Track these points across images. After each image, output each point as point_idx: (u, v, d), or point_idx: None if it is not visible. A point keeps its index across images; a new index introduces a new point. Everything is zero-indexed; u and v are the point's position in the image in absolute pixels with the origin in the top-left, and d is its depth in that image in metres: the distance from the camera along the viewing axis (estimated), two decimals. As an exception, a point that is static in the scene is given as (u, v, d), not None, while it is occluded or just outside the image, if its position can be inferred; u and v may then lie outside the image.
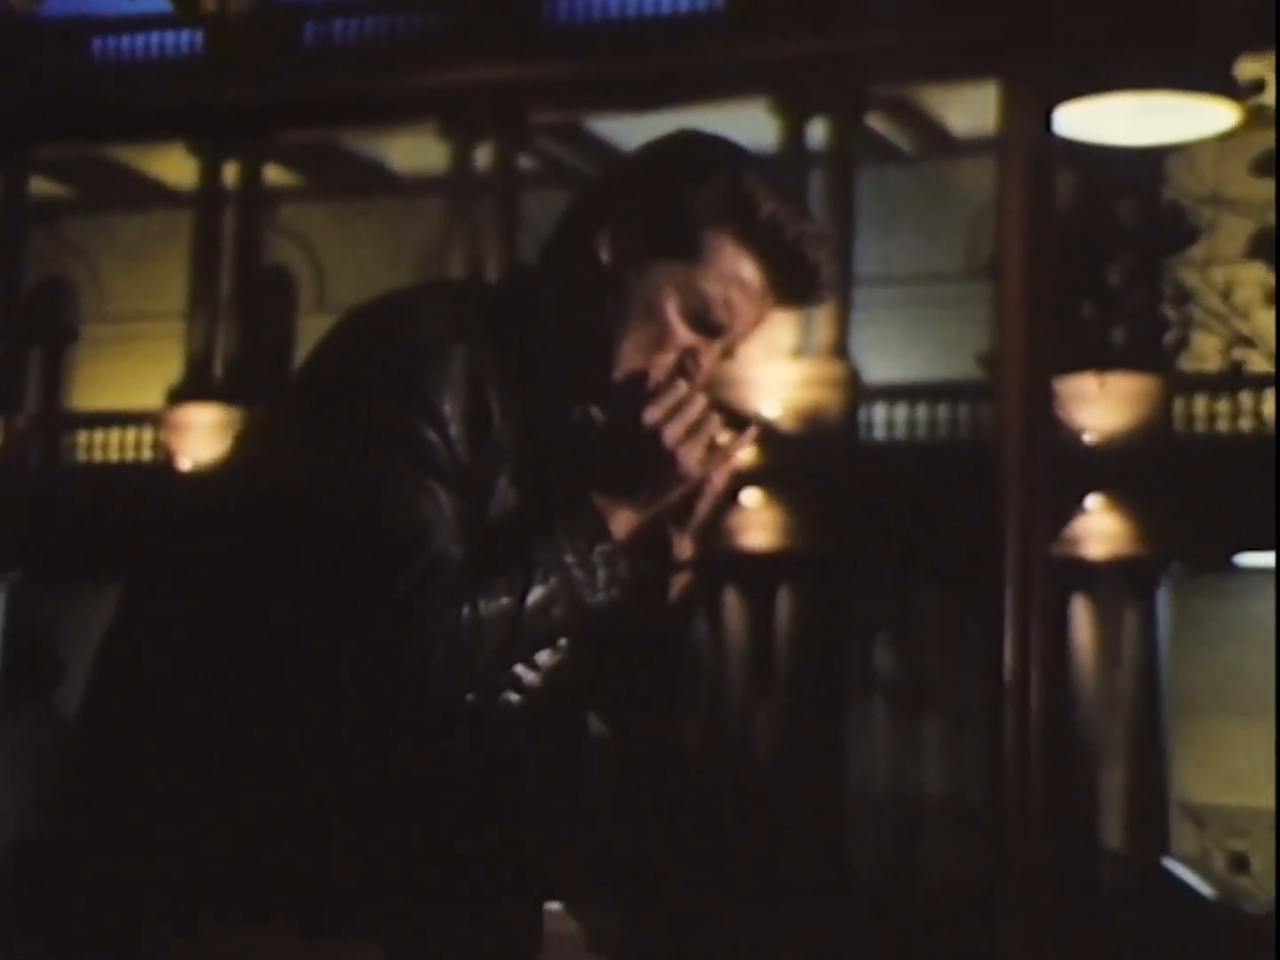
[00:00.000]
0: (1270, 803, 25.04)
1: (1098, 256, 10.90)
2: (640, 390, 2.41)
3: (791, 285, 2.45)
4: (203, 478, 27.66)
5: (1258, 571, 24.78)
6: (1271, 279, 9.86)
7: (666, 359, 2.41)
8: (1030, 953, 6.69)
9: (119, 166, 29.90)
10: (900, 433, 26.08)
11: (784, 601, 26.03)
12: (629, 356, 2.42)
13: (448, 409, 2.34)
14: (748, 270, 2.43)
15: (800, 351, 26.35)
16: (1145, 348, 21.26)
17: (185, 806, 2.35)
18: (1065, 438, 24.39)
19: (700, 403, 2.43)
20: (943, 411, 25.68)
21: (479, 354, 2.37)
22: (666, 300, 2.40)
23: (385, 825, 2.40)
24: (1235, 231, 10.16)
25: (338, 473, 2.29)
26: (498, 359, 2.39)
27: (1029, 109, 6.57)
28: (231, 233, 29.33)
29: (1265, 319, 11.57)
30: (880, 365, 25.96)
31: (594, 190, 2.51)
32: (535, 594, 2.33)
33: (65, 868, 2.40)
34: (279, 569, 2.29)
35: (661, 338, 2.42)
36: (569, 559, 2.36)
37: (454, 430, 2.34)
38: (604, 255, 2.42)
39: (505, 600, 2.31)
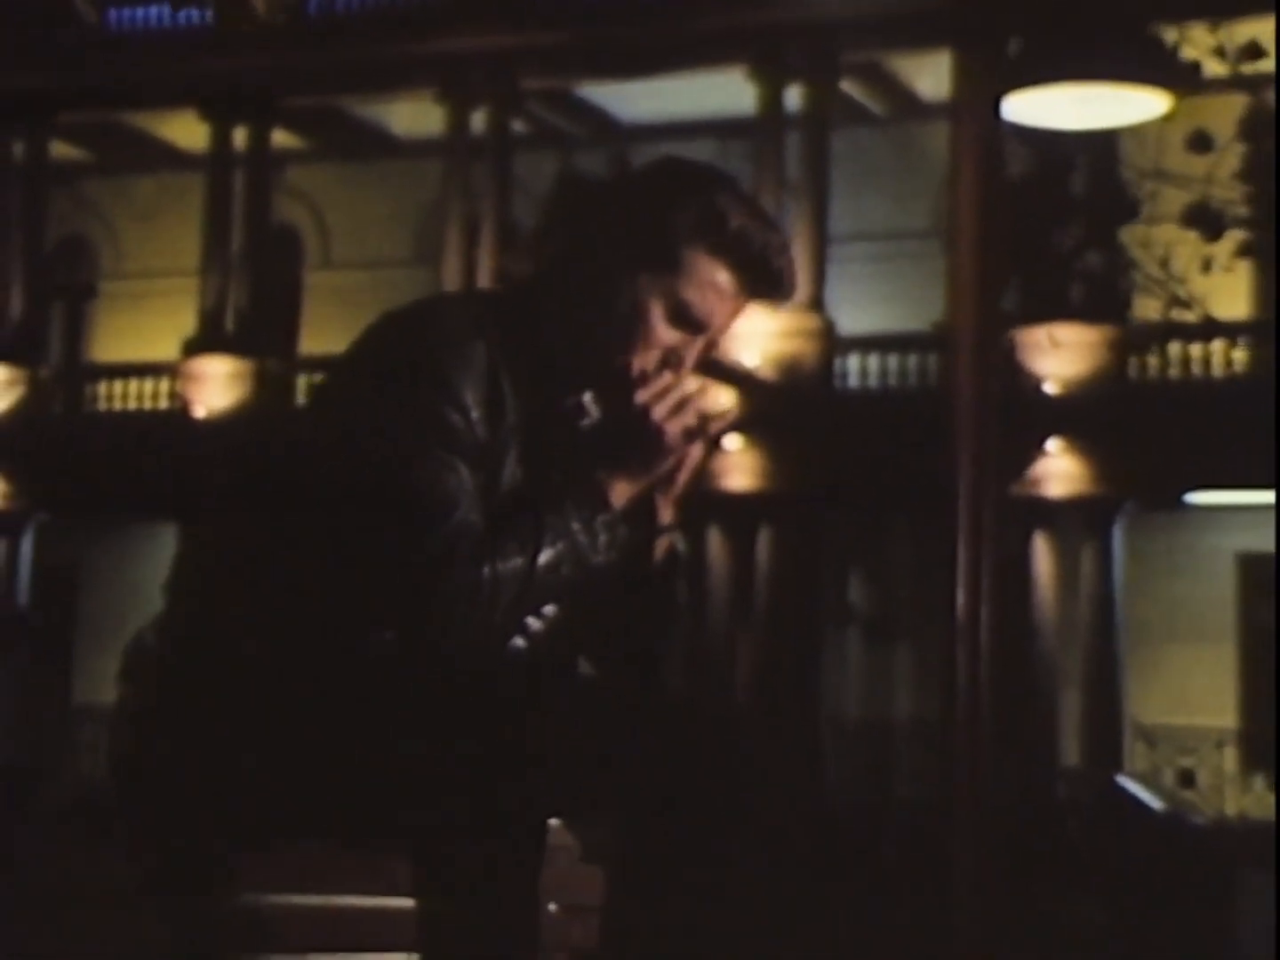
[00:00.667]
0: (1215, 721, 25.54)
1: (1047, 224, 11.22)
2: (629, 380, 2.69)
3: (760, 288, 2.73)
4: (233, 429, 27.91)
5: (1206, 508, 25.01)
6: (1206, 248, 10.22)
7: (652, 355, 2.69)
8: (981, 867, 6.60)
9: (134, 131, 29.91)
10: (873, 381, 26.10)
11: (764, 539, 26.04)
12: (620, 354, 2.70)
13: (469, 397, 2.61)
14: (721, 277, 2.70)
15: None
16: (1097, 304, 21.43)
17: (252, 731, 2.64)
18: (1027, 386, 24.63)
19: (683, 388, 2.68)
20: (912, 361, 25.64)
21: (496, 352, 2.65)
22: (651, 306, 2.69)
23: (413, 753, 2.64)
24: (1174, 201, 10.52)
25: (377, 450, 2.57)
26: (511, 356, 2.67)
27: (981, 76, 6.61)
28: (241, 193, 29.29)
29: (1201, 283, 11.97)
30: (854, 318, 25.97)
31: (587, 207, 2.77)
32: (545, 556, 2.60)
33: (155, 785, 2.69)
34: (329, 526, 2.59)
35: (647, 337, 2.70)
36: (575, 526, 2.63)
37: (474, 414, 2.61)
38: (598, 269, 2.69)
39: (519, 561, 2.58)
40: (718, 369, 25.99)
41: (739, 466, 25.81)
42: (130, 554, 29.80)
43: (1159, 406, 23.19)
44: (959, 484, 6.83)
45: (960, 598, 6.70)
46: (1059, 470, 24.68)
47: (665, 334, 2.71)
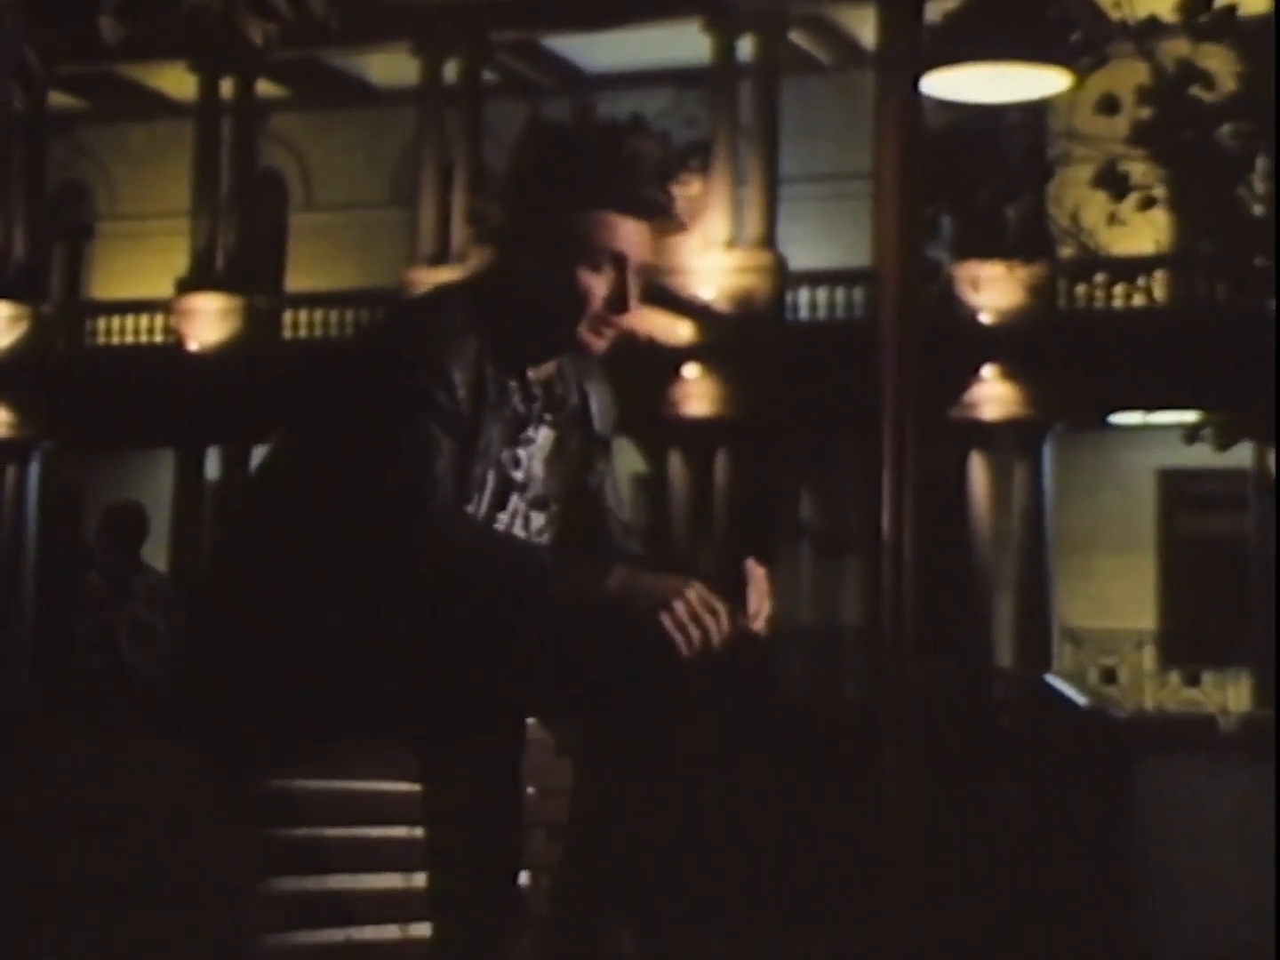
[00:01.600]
0: (1135, 624, 25.91)
1: (971, 176, 11.47)
2: (582, 346, 3.05)
3: (662, 223, 3.09)
4: (217, 362, 27.95)
5: (1128, 428, 25.27)
6: (1113, 206, 10.51)
7: (593, 311, 3.01)
8: (906, 754, 6.60)
9: (128, 82, 29.72)
10: (822, 314, 26.11)
11: (721, 461, 26.13)
12: (570, 325, 3.03)
13: (457, 377, 2.93)
14: (630, 225, 3.04)
15: (733, 242, 26.41)
16: (1027, 243, 21.51)
17: (288, 646, 2.94)
18: (963, 317, 24.84)
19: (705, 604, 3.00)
20: (858, 295, 25.59)
21: (482, 341, 2.98)
22: (582, 275, 3.00)
23: (418, 664, 2.90)
24: (1083, 159, 10.79)
25: (380, 419, 2.91)
26: (492, 343, 3.00)
27: (903, 29, 6.61)
28: (228, 140, 29.22)
29: (1107, 236, 12.23)
30: (803, 254, 26.00)
31: (521, 206, 3.05)
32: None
33: (210, 687, 2.97)
34: (345, 474, 2.92)
35: (589, 300, 3.01)
36: (515, 401, 3.03)
37: (461, 394, 2.93)
38: (538, 257, 3.00)
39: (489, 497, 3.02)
40: (677, 302, 26.26)
41: (697, 394, 26.07)
42: (130, 478, 29.87)
43: (1084, 336, 23.19)
44: (883, 409, 6.75)
45: (885, 514, 6.73)
46: (993, 394, 24.89)
47: (600, 286, 3.02)
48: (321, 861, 2.99)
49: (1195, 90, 9.48)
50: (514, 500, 3.10)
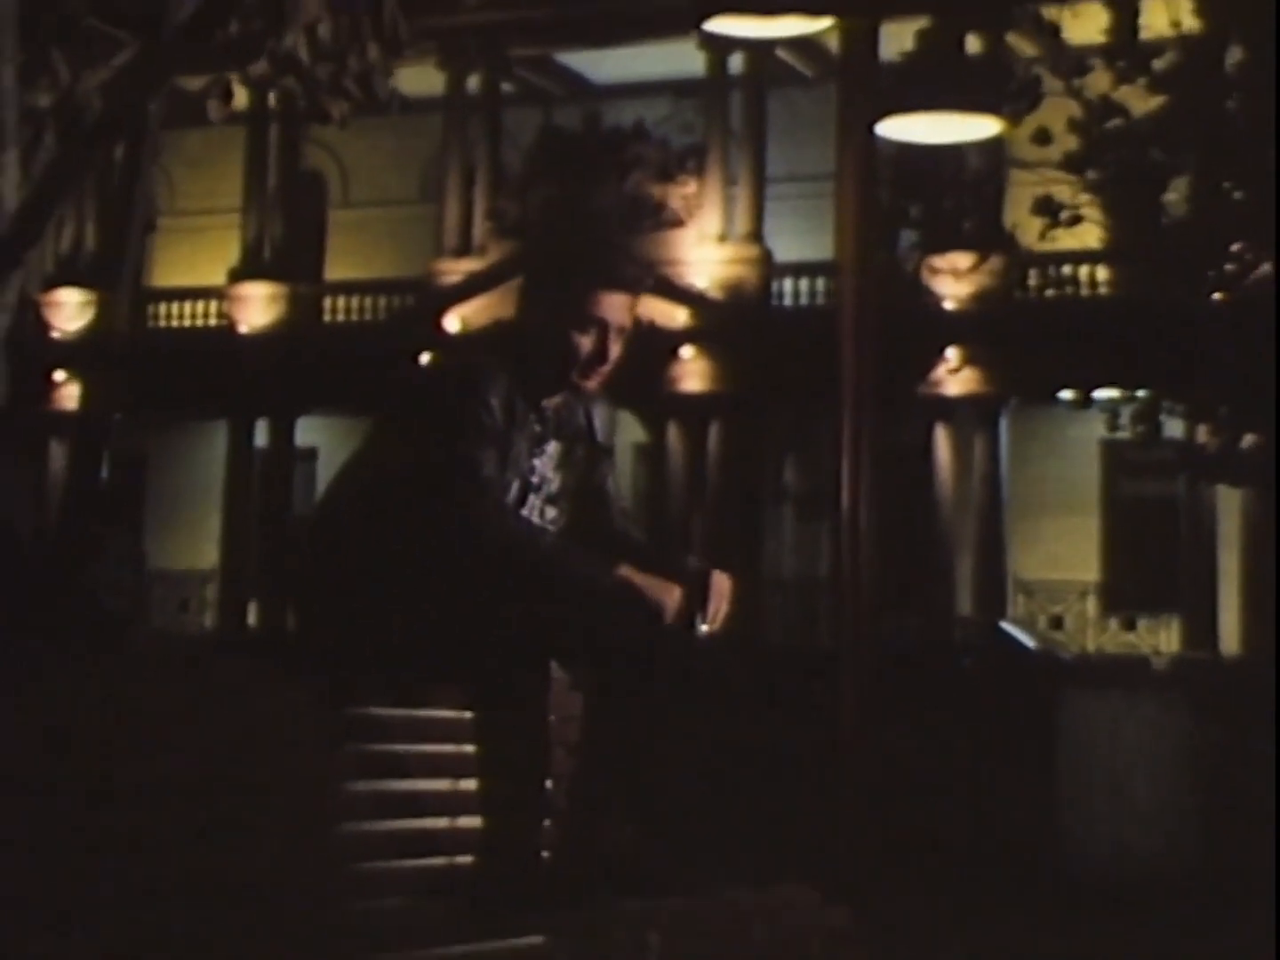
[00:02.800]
0: (1080, 576, 26.09)
1: (936, 187, 11.89)
2: (572, 384, 3.62)
3: (633, 290, 3.60)
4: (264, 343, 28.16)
5: (1074, 404, 25.49)
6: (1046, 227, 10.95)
7: (580, 363, 3.57)
8: (863, 694, 6.59)
9: (188, 93, 29.99)
10: (804, 300, 26.24)
11: (714, 432, 26.34)
12: (564, 370, 3.60)
13: (495, 403, 3.53)
14: (611, 296, 3.58)
15: (724, 237, 26.58)
16: (987, 237, 21.72)
17: (376, 603, 3.45)
18: (931, 304, 25.11)
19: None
20: (822, 281, 25.75)
21: (510, 382, 3.57)
22: (577, 338, 3.57)
23: (469, 621, 3.42)
24: (1021, 181, 11.23)
25: (446, 432, 3.48)
26: (516, 383, 3.58)
27: (859, 81, 6.62)
28: (275, 144, 29.46)
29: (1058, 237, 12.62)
30: (788, 247, 26.13)
31: (534, 289, 3.67)
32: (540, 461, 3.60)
33: (314, 628, 3.54)
34: (420, 475, 3.47)
35: (577, 354, 3.57)
36: (533, 420, 3.58)
37: (498, 415, 3.52)
38: (548, 329, 3.58)
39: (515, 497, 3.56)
40: (674, 291, 26.54)
41: (692, 372, 26.30)
42: (187, 446, 30.32)
43: (1037, 322, 23.29)
44: (842, 387, 6.72)
45: (844, 482, 6.78)
46: (957, 372, 25.01)
47: (587, 344, 3.60)
48: (396, 769, 3.52)
49: (1115, 122, 9.90)
50: (532, 498, 3.65)
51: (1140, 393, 12.98)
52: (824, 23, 5.96)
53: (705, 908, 3.49)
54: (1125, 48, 9.47)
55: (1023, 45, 12.40)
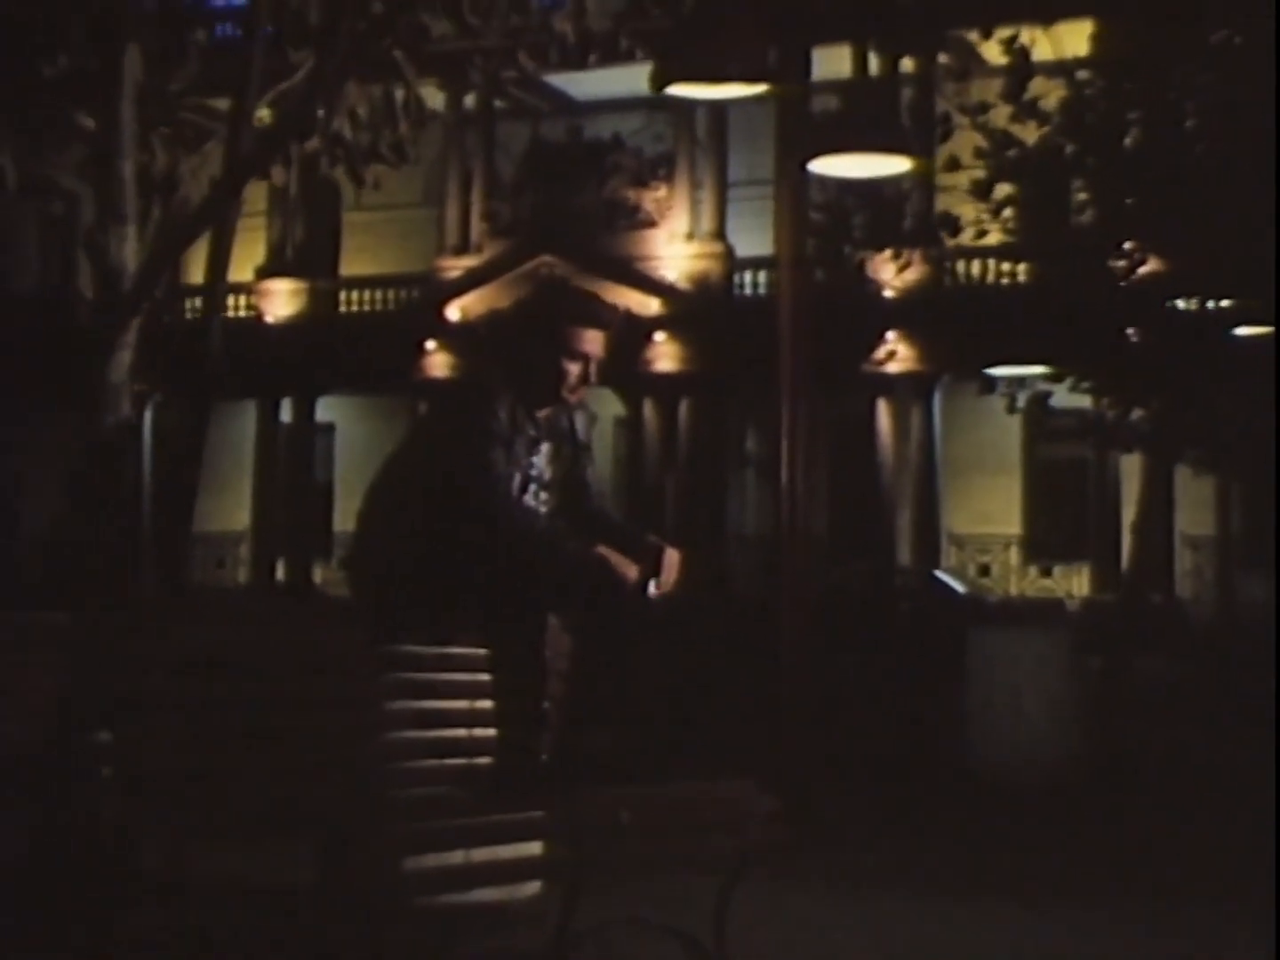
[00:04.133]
0: (1005, 530, 26.19)
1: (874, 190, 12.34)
2: (559, 397, 4.19)
3: (604, 326, 4.23)
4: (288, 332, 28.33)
5: (1000, 378, 25.68)
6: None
7: (568, 385, 4.17)
8: (800, 636, 6.88)
9: (217, 111, 30.06)
10: (762, 290, 26.13)
11: (684, 407, 26.58)
12: (555, 390, 4.19)
13: (502, 415, 4.11)
14: (590, 333, 4.21)
15: (692, 235, 26.77)
16: (920, 234, 21.99)
17: (417, 565, 4.03)
18: (873, 292, 25.34)
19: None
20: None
21: (512, 399, 4.16)
22: (565, 364, 4.18)
23: (486, 581, 3.98)
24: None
25: (463, 443, 4.06)
26: (517, 400, 4.16)
27: (793, 127, 7.47)
28: (296, 155, 29.91)
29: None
30: (747, 243, 26.12)
31: (526, 328, 4.24)
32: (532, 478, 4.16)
33: (373, 585, 4.15)
34: (448, 474, 4.05)
35: (566, 378, 4.18)
36: (528, 425, 4.15)
37: (504, 425, 4.10)
38: (539, 359, 4.17)
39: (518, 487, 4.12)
40: (648, 283, 26.93)
41: (665, 354, 26.53)
42: (220, 423, 30.58)
43: (966, 307, 23.43)
44: (782, 368, 6.98)
45: (784, 460, 7.14)
46: (896, 352, 25.15)
47: (573, 370, 4.20)
48: (428, 692, 4.09)
49: (1012, 153, 10.43)
50: (532, 486, 4.22)
51: (1041, 369, 13.46)
52: (760, 88, 6.45)
53: (665, 794, 4.05)
54: (1018, 91, 10.00)
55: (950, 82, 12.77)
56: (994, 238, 14.60)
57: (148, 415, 29.73)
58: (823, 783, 6.72)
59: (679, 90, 6.64)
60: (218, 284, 5.37)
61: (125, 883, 3.87)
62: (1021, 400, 12.40)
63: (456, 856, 3.57)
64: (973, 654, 9.28)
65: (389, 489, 4.23)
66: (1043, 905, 5.32)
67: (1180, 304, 11.95)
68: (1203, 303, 11.74)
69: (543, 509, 4.24)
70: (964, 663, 9.34)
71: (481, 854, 3.65)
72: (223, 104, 8.51)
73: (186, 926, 3.74)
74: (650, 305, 26.61)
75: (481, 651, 4.07)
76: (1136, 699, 12.21)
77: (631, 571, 4.12)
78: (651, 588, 4.14)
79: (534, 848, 3.78)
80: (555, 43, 7.64)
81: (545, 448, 4.24)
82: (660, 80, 6.43)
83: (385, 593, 4.10)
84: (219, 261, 8.20)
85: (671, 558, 4.21)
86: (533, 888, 4.49)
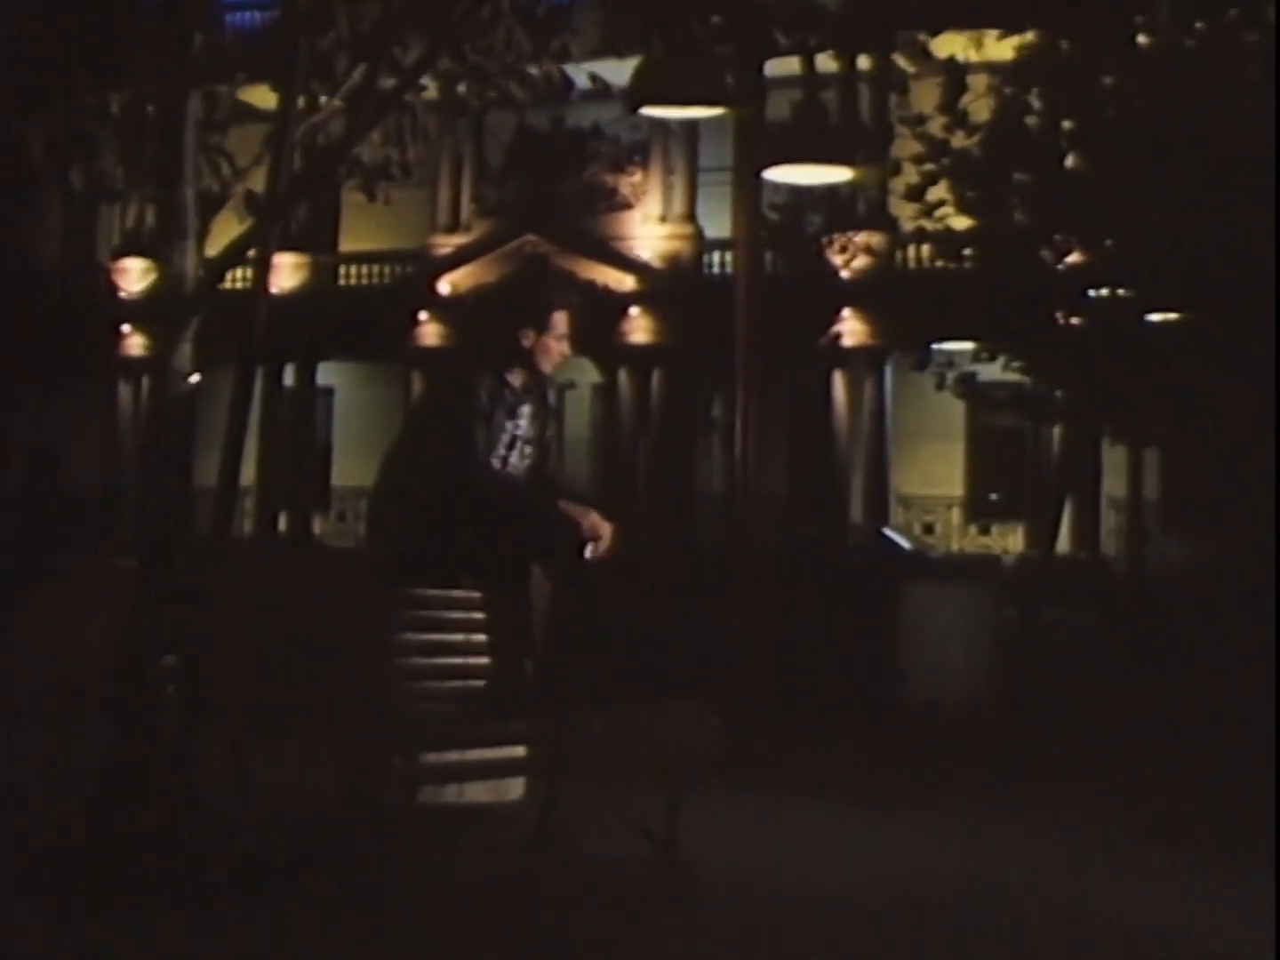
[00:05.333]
0: (947, 492, 26.52)
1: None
2: (534, 365, 4.75)
3: (566, 306, 4.80)
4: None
5: (945, 352, 25.95)
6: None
7: (538, 353, 4.75)
8: (751, 586, 7.06)
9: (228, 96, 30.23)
10: (729, 269, 25.15)
11: (656, 376, 26.88)
12: (531, 358, 4.75)
13: (483, 394, 4.63)
14: (560, 318, 4.78)
15: (665, 217, 27.06)
16: (875, 221, 22.32)
17: (421, 520, 4.59)
18: (829, 273, 25.78)
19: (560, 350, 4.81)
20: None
21: (494, 370, 4.72)
22: (536, 336, 4.73)
23: (474, 536, 4.51)
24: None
25: (449, 425, 4.61)
26: (499, 369, 4.71)
27: (750, 124, 7.35)
28: (299, 139, 30.06)
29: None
30: (716, 225, 26.01)
31: (508, 313, 4.82)
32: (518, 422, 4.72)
33: (386, 540, 4.71)
34: (437, 431, 4.66)
35: (534, 349, 4.77)
36: (507, 394, 4.70)
37: (484, 400, 4.62)
38: (510, 328, 4.74)
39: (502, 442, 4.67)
40: (625, 261, 27.32)
41: (639, 327, 26.87)
42: (228, 385, 30.88)
43: (914, 288, 23.57)
44: (736, 347, 7.05)
45: (737, 431, 7.26)
46: (850, 329, 25.62)
47: (544, 340, 4.74)
48: (434, 626, 4.65)
49: (944, 161, 10.92)
50: (517, 444, 4.74)
51: (973, 346, 13.86)
52: (720, 110, 6.94)
53: (628, 711, 4.61)
54: (951, 104, 10.48)
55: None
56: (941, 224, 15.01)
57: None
58: (768, 710, 7.12)
59: (649, 111, 7.12)
60: (263, 272, 5.79)
61: (184, 782, 4.43)
62: (950, 378, 12.88)
63: (458, 756, 4.14)
64: (914, 603, 9.62)
65: (396, 464, 4.79)
66: (944, 810, 5.86)
67: (1100, 293, 12.43)
68: (1118, 291, 12.23)
69: (526, 461, 4.76)
70: (894, 609, 9.69)
71: (478, 754, 4.22)
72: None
73: (230, 819, 4.30)
74: (625, 282, 27.01)
75: (475, 594, 4.62)
76: (1052, 644, 12.74)
77: (587, 523, 4.63)
78: (589, 551, 4.61)
79: (519, 750, 4.35)
80: (543, 78, 8.10)
81: (527, 410, 4.77)
82: (633, 102, 6.91)
83: (398, 547, 4.64)
84: (264, 254, 8.75)
85: (607, 531, 4.67)
86: (517, 792, 5.09)
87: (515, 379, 4.74)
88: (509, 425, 4.68)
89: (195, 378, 6.22)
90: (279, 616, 4.27)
